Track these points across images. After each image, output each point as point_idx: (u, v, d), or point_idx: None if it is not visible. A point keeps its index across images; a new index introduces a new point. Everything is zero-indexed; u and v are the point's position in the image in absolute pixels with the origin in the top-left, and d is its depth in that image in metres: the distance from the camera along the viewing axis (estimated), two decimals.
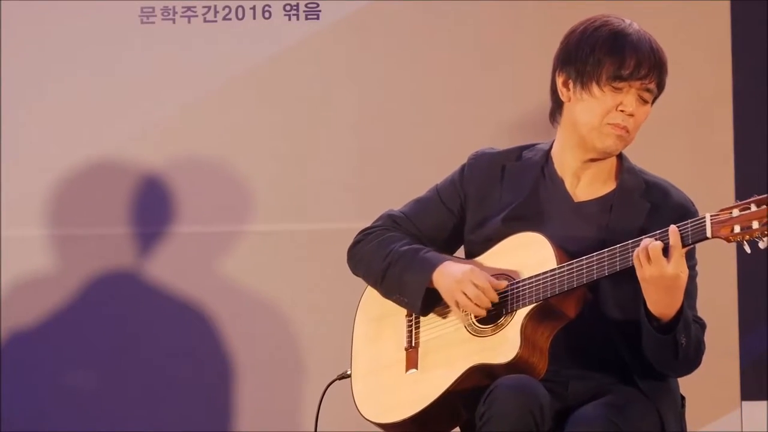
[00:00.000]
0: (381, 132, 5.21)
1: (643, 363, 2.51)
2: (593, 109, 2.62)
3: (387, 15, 5.07)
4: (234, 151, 5.35)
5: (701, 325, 2.60)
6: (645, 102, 2.71)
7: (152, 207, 5.00)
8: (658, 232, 2.40)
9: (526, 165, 2.65)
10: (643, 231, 2.48)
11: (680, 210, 2.61)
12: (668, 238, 2.35)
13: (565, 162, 2.64)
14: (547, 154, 2.67)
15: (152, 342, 4.65)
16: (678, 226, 2.38)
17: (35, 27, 5.38)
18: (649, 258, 2.35)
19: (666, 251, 2.35)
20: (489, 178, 2.65)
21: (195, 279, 5.09)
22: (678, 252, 2.36)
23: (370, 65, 5.11)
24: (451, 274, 2.48)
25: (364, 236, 2.70)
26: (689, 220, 2.40)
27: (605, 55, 2.64)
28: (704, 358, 4.12)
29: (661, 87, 2.79)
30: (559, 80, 2.72)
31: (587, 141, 2.63)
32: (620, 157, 2.70)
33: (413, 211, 2.68)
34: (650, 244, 2.36)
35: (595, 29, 2.70)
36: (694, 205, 2.67)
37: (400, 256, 2.55)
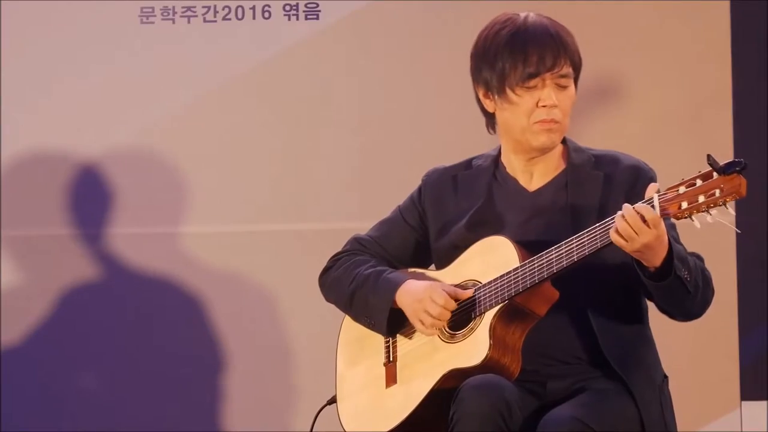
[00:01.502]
0: (381, 132, 5.22)
1: (618, 345, 2.52)
2: (516, 114, 2.65)
3: (387, 15, 5.07)
4: (233, 151, 5.35)
5: (698, 257, 2.59)
6: (564, 87, 2.68)
7: (153, 207, 5.00)
8: (613, 216, 2.40)
9: (477, 172, 2.73)
10: (602, 201, 2.55)
11: (633, 171, 2.65)
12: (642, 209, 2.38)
13: (513, 163, 2.70)
14: (496, 159, 2.74)
15: (152, 343, 4.65)
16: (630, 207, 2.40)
17: (35, 27, 5.39)
18: (641, 226, 2.35)
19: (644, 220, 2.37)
20: (442, 189, 2.73)
21: (194, 279, 5.09)
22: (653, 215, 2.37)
23: (370, 65, 5.11)
24: (411, 294, 2.54)
25: (333, 262, 2.78)
26: (639, 202, 2.40)
27: (507, 59, 2.66)
28: (704, 358, 4.12)
29: (576, 66, 2.72)
30: (480, 93, 2.77)
31: (522, 143, 2.67)
32: (564, 141, 2.72)
33: (379, 232, 2.76)
34: (636, 214, 2.36)
35: (494, 35, 2.73)
36: (646, 165, 2.70)
37: (365, 280, 2.62)
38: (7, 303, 4.90)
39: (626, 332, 2.54)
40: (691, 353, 4.13)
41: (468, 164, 2.77)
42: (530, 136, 2.63)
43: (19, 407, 4.46)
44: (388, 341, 2.54)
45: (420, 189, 2.79)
